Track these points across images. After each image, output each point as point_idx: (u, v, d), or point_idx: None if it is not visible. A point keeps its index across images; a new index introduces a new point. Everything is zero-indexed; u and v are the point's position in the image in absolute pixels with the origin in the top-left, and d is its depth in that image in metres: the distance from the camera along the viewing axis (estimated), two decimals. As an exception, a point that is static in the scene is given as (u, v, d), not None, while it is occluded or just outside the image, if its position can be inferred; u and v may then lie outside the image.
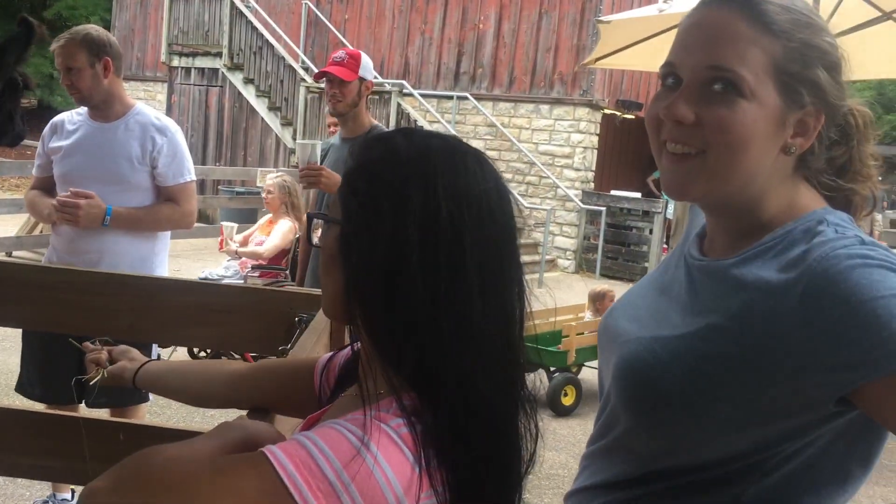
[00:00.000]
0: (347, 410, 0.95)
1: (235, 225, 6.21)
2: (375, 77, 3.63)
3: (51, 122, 3.17)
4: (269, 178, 6.20)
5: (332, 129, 3.93)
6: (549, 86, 12.66)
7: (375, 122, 3.70)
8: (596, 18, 8.35)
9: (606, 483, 1.17)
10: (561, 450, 4.73)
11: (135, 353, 1.62)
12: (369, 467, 0.85)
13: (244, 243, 6.03)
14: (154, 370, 1.53)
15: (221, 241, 5.98)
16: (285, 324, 2.09)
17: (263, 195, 6.23)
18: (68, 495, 3.36)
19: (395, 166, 0.96)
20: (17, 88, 2.25)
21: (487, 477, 0.95)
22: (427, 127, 11.75)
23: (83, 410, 3.22)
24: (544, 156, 12.60)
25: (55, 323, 2.19)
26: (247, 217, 12.48)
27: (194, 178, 3.20)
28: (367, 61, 3.57)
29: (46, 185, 3.15)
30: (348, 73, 3.47)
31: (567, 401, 5.49)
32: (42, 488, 3.51)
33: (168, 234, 3.29)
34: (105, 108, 3.05)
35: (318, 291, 2.26)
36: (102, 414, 3.24)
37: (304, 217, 4.19)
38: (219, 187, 13.31)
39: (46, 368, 3.07)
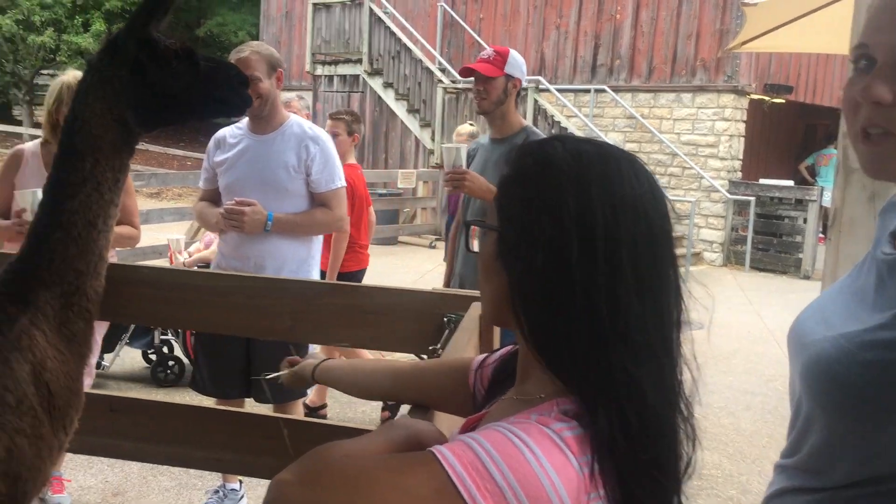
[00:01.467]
0: (508, 413, 0.97)
1: (182, 237, 5.93)
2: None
3: (213, 137, 3.39)
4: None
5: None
6: (691, 73, 12.25)
7: (526, 122, 3.63)
8: (741, 1, 8.00)
9: (804, 488, 1.14)
10: (714, 449, 4.59)
11: (319, 353, 1.77)
12: (535, 470, 0.87)
13: (194, 256, 5.85)
14: (330, 367, 1.65)
15: (171, 255, 5.60)
16: (434, 324, 2.15)
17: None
18: (237, 485, 3.58)
19: (551, 173, 0.98)
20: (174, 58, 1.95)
21: (651, 481, 0.95)
22: (564, 122, 11.66)
23: (249, 405, 3.44)
24: (687, 146, 12.20)
25: (224, 325, 2.34)
26: (389, 218, 12.85)
27: (344, 183, 3.34)
28: (516, 58, 3.43)
29: (213, 197, 3.38)
30: (493, 70, 3.38)
31: None
32: (212, 478, 3.76)
33: (320, 237, 3.45)
34: (268, 119, 3.23)
35: (464, 292, 2.31)
36: (265, 409, 3.44)
37: (194, 209, 4.01)
38: (362, 190, 13.73)
39: (216, 366, 3.29)
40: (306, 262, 3.30)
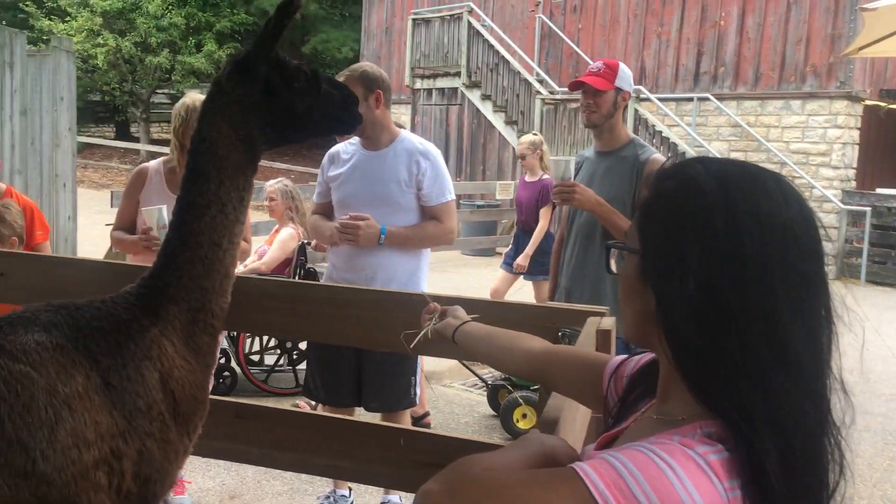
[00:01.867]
0: (647, 433, 0.98)
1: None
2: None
3: (328, 153, 3.50)
4: (269, 185, 5.78)
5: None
6: (801, 80, 11.82)
7: (633, 135, 3.61)
8: (859, 7, 7.69)
9: None
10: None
11: (461, 311, 1.82)
12: (678, 493, 0.87)
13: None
14: (470, 331, 1.69)
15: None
16: (549, 338, 2.16)
17: (266, 202, 5.85)
18: (346, 492, 3.67)
19: (695, 196, 0.98)
20: (297, 78, 2.04)
21: None
22: (666, 132, 11.44)
23: (359, 414, 3.53)
24: (797, 154, 11.77)
25: (339, 336, 2.41)
26: (487, 229, 12.90)
27: (454, 196, 3.39)
28: (625, 71, 3.44)
29: (326, 210, 3.49)
30: (604, 83, 3.37)
31: (524, 424, 4.64)
32: (323, 484, 3.87)
33: (428, 249, 3.51)
34: (375, 137, 3.31)
35: (576, 306, 2.31)
36: (373, 417, 3.51)
37: (308, 222, 3.82)
38: (460, 202, 13.86)
39: (329, 375, 3.39)
40: (415, 274, 3.37)
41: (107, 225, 3.81)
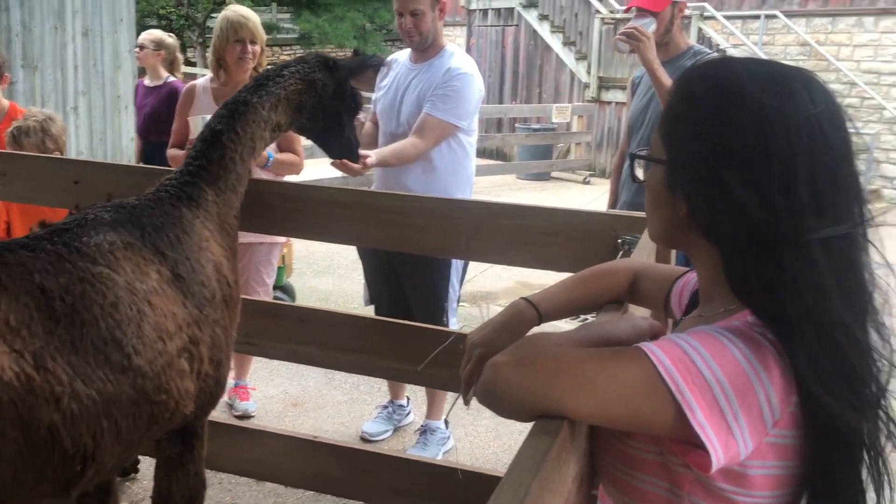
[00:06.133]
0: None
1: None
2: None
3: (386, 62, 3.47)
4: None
5: None
6: (876, -6, 11.23)
7: (692, 42, 3.49)
8: None
9: None
10: None
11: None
12: (743, 367, 0.90)
13: None
14: (549, 309, 1.41)
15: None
16: (609, 245, 2.15)
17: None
18: (404, 401, 3.77)
19: (716, 98, 0.97)
20: (349, 99, 2.50)
21: (849, 392, 0.93)
22: (731, 51, 11.04)
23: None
24: (868, 74, 11.27)
25: (404, 242, 2.44)
26: (542, 153, 12.76)
27: (458, 123, 3.26)
28: None
29: (374, 119, 3.51)
30: (659, 2, 3.26)
31: None
32: (381, 396, 3.98)
33: (471, 169, 3.46)
34: (424, 50, 3.26)
35: (638, 214, 2.29)
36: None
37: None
38: (516, 125, 13.69)
39: (384, 286, 3.46)
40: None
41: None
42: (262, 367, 4.20)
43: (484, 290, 6.02)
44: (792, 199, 0.92)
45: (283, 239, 3.94)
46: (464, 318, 4.84)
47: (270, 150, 3.35)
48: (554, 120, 12.46)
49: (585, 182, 12.24)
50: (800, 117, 0.93)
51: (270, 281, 3.78)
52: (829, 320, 0.93)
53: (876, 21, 11.25)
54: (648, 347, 0.92)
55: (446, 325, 3.31)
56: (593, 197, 10.00)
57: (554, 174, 12.74)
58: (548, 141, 12.82)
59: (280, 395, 4.10)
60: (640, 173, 1.14)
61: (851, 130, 0.97)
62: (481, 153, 11.46)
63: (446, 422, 3.47)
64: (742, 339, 0.92)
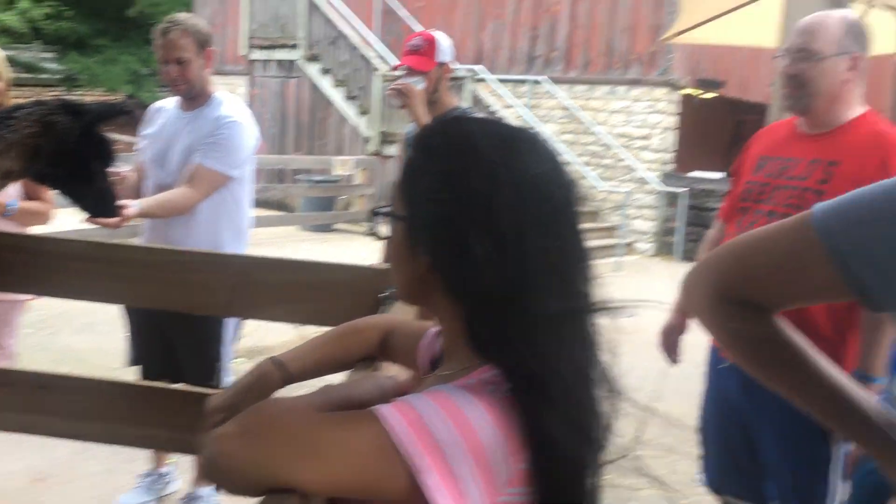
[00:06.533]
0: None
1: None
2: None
3: (150, 108, 3.30)
4: None
5: None
6: (626, 67, 12.45)
7: (457, 103, 3.59)
8: (677, -5, 8.17)
9: None
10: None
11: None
12: (474, 425, 0.89)
13: None
14: (298, 370, 1.38)
15: None
16: (373, 300, 2.14)
17: None
18: (167, 470, 3.52)
19: (450, 153, 0.99)
20: (98, 146, 2.28)
21: (569, 443, 0.97)
22: (502, 111, 11.73)
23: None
24: (622, 138, 12.41)
25: (160, 299, 2.28)
26: (326, 205, 12.72)
27: (229, 173, 3.16)
28: (443, 42, 3.32)
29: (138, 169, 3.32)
30: (426, 62, 3.27)
31: None
32: (141, 464, 3.68)
33: (243, 221, 3.35)
34: (193, 98, 3.14)
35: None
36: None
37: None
38: (296, 177, 13.57)
39: (149, 347, 3.23)
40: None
41: None
42: (2, 439, 3.74)
43: (263, 344, 5.81)
44: (523, 255, 0.95)
45: (26, 297, 3.57)
46: (241, 374, 4.62)
47: (13, 197, 3.06)
48: (336, 172, 12.50)
49: (368, 234, 12.33)
50: (526, 176, 0.97)
51: (11, 342, 3.40)
52: (565, 374, 0.96)
53: (627, 90, 12.45)
54: (382, 411, 0.89)
55: (219, 384, 3.13)
56: (374, 249, 10.08)
57: (337, 226, 12.74)
58: (330, 193, 12.82)
59: (23, 470, 3.66)
60: (383, 230, 1.13)
61: (580, 195, 1.03)
62: (263, 204, 11.21)
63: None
64: (476, 396, 0.92)
